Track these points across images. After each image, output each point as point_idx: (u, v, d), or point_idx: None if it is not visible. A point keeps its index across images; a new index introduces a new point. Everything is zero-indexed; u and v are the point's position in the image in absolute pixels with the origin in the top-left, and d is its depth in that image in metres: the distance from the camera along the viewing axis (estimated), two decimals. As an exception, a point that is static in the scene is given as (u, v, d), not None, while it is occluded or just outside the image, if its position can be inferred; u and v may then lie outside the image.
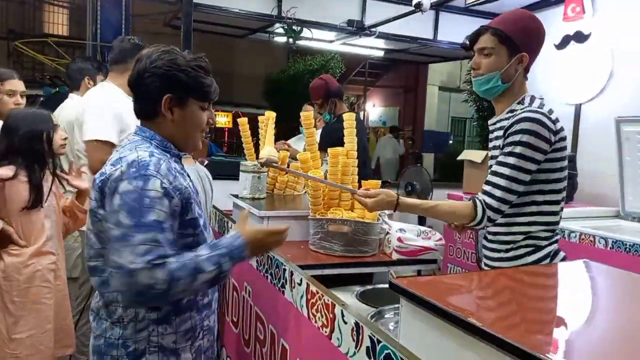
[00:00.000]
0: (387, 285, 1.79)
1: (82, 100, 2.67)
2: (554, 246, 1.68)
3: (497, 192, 1.57)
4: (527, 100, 1.67)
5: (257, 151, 2.76)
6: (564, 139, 1.63)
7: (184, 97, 1.35)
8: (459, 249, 4.28)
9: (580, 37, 4.09)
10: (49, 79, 8.86)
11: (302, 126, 2.47)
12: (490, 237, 1.72)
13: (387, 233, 2.11)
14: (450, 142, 12.81)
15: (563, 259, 1.69)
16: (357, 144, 2.30)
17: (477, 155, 4.27)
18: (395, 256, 2.04)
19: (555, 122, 1.60)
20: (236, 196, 2.66)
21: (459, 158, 4.52)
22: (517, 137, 1.56)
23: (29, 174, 2.10)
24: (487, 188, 1.60)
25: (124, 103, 2.34)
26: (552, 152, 1.59)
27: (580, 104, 4.19)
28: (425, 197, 4.41)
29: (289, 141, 3.85)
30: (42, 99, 6.77)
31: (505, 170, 1.57)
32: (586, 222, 3.27)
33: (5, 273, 2.03)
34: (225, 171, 3.59)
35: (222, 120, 13.04)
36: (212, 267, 1.24)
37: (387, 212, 2.22)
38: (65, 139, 2.25)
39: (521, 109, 1.62)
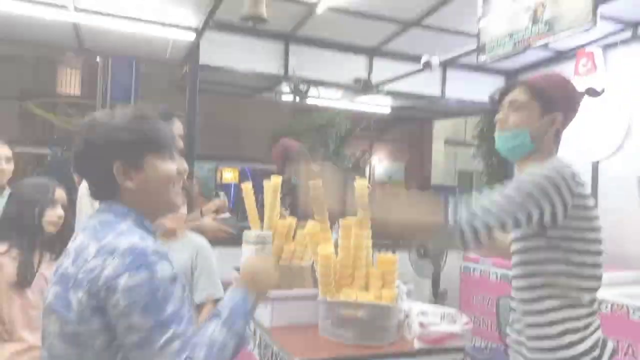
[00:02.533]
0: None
1: None
2: (599, 333, 1.45)
3: (479, 218, 1.31)
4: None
5: (262, 219, 2.57)
6: (588, 207, 1.41)
7: (137, 157, 1.15)
8: (477, 317, 4.00)
9: (593, 93, 3.99)
10: (57, 139, 8.91)
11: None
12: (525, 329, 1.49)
13: (407, 316, 1.88)
14: (459, 196, 12.64)
15: (613, 351, 1.47)
16: None
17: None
18: (417, 344, 1.80)
19: (578, 184, 1.39)
20: (239, 269, 2.45)
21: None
22: (529, 177, 1.39)
23: (20, 250, 1.95)
24: (475, 210, 1.34)
25: None
26: (573, 219, 1.38)
27: (598, 161, 4.04)
28: (439, 260, 4.18)
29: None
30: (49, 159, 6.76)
31: (501, 200, 1.34)
32: (615, 290, 3.03)
33: None
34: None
35: (228, 176, 12.98)
36: (229, 336, 1.13)
37: (405, 289, 2.01)
38: (62, 217, 2.07)
39: None
